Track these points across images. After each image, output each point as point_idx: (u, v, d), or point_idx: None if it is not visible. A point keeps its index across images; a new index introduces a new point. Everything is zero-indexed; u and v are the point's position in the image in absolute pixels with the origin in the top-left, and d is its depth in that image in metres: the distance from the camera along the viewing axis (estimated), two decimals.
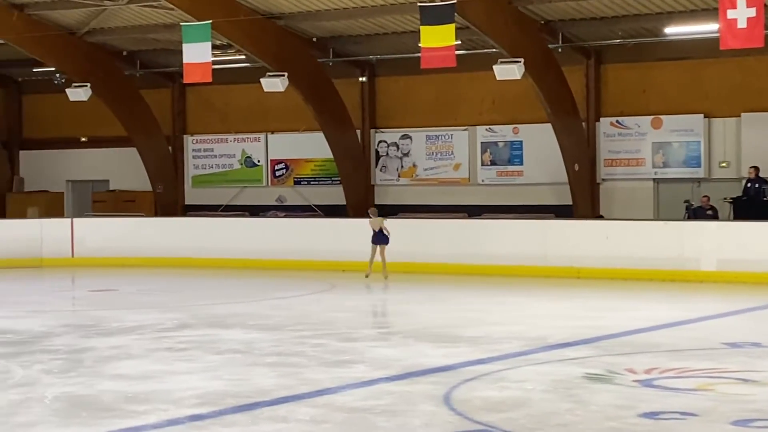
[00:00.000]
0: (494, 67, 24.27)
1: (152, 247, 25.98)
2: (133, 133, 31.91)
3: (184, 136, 33.57)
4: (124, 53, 31.60)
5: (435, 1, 22.51)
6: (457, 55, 22.92)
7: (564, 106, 26.57)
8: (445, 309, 17.02)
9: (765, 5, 19.33)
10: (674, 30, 25.42)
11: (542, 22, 26.01)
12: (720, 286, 20.06)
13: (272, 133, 32.27)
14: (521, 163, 28.84)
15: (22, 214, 32.84)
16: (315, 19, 27.21)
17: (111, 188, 34.60)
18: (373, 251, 21.49)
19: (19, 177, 36.29)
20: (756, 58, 25.13)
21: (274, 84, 26.87)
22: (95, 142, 34.72)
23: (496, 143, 29.23)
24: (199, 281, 22.40)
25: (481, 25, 24.33)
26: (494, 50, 25.56)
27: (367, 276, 21.30)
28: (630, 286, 20.13)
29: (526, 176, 28.74)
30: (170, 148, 33.16)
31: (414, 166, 30.24)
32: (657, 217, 26.73)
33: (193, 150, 33.43)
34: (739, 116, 26.31)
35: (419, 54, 22.83)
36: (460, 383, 10.20)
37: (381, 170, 30.69)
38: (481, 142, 29.37)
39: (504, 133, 29.09)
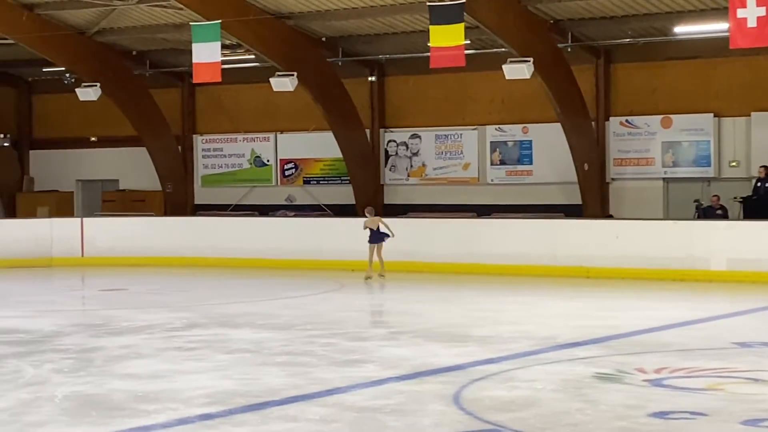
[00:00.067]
0: (503, 66, 24.25)
1: (162, 246, 26.01)
2: (143, 132, 31.96)
3: (194, 135, 33.61)
4: (134, 53, 31.64)
5: (444, 1, 22.49)
6: (467, 55, 22.92)
7: (573, 106, 26.54)
8: (455, 308, 17.01)
9: None
10: (684, 29, 25.37)
11: (551, 21, 25.97)
12: (730, 286, 20.03)
13: (281, 132, 32.29)
14: (531, 163, 28.82)
15: (32, 214, 32.92)
16: (324, 18, 27.21)
17: (121, 188, 34.65)
18: (372, 251, 21.48)
19: (29, 177, 36.36)
20: (766, 57, 25.07)
21: (284, 84, 26.89)
22: (105, 142, 34.77)
23: (505, 143, 29.21)
24: (209, 281, 22.42)
25: (490, 24, 24.32)
26: (503, 50, 25.55)
27: (369, 278, 21.26)
28: (640, 286, 20.09)
29: (536, 176, 28.71)
30: (180, 147, 33.21)
31: (423, 165, 30.23)
32: (667, 217, 26.69)
33: (203, 149, 33.47)
34: (749, 115, 26.26)
35: (428, 53, 22.83)
36: (470, 383, 10.20)
37: (390, 170, 30.69)
38: (491, 142, 29.36)
39: (513, 132, 29.07)
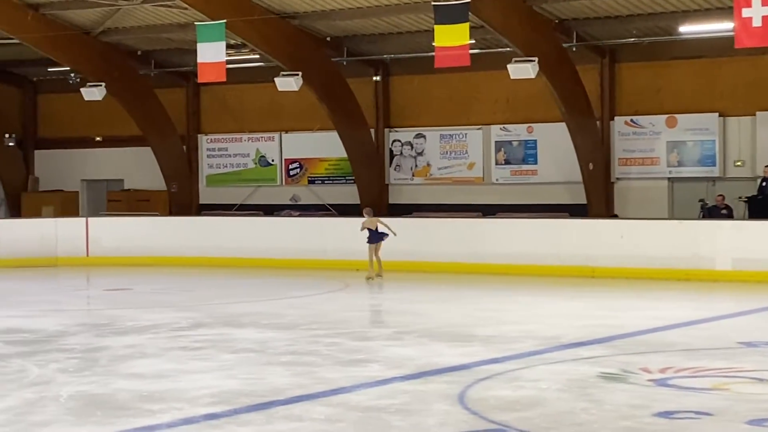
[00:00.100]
0: (508, 66, 24.26)
1: (167, 246, 26.02)
2: (148, 132, 31.98)
3: (199, 135, 33.63)
4: (139, 53, 31.65)
5: (449, 0, 22.49)
6: (472, 54, 22.90)
7: (578, 105, 26.54)
8: (459, 308, 17.01)
9: None
10: (689, 29, 25.36)
11: (556, 21, 25.97)
12: (735, 286, 20.01)
13: (286, 132, 32.30)
14: (535, 163, 28.81)
15: (37, 214, 32.96)
16: (329, 18, 27.22)
17: (126, 187, 34.69)
18: (371, 252, 21.48)
19: (34, 176, 36.39)
20: None
21: (289, 83, 26.90)
22: (110, 142, 34.81)
23: (510, 142, 29.20)
24: (214, 280, 22.43)
25: (495, 24, 24.32)
26: (508, 49, 25.54)
27: (370, 278, 21.25)
28: (644, 286, 20.07)
29: (541, 175, 28.70)
30: (185, 147, 33.24)
31: (428, 165, 30.23)
32: (672, 217, 26.66)
33: (208, 149, 33.48)
34: (754, 115, 26.25)
35: (433, 53, 22.80)
36: (475, 382, 10.20)
37: (395, 169, 30.69)
38: (495, 141, 29.35)
39: (518, 132, 29.06)
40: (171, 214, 31.85)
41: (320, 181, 31.88)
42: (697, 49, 26.32)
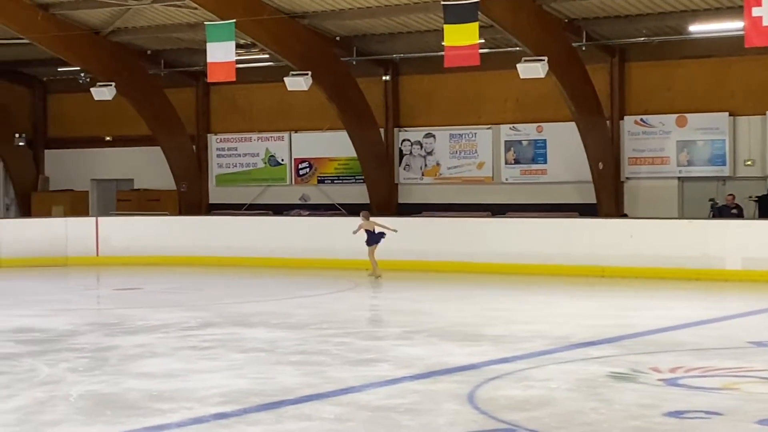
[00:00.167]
0: (518, 65, 24.23)
1: (176, 246, 26.05)
2: (158, 132, 32.02)
3: (208, 135, 33.66)
4: (149, 52, 31.70)
5: (459, 0, 22.48)
6: (481, 54, 22.88)
7: (588, 105, 26.51)
8: (469, 308, 17.00)
9: None
10: (699, 28, 25.33)
11: (566, 20, 25.94)
12: (745, 285, 19.98)
13: (296, 132, 32.31)
14: (545, 162, 28.79)
15: (47, 213, 33.02)
16: (339, 18, 27.23)
17: (135, 187, 34.74)
18: (371, 253, 21.52)
19: (44, 176, 36.46)
20: None
21: (298, 83, 26.90)
22: (120, 141, 34.87)
23: (519, 142, 29.18)
24: (223, 280, 22.45)
25: (504, 23, 24.30)
26: (518, 49, 25.52)
27: (378, 277, 21.27)
28: (654, 285, 20.05)
29: (550, 175, 28.68)
30: (194, 147, 33.27)
31: (437, 164, 30.22)
32: (681, 216, 26.62)
33: (217, 149, 33.51)
34: (764, 114, 26.20)
35: (443, 53, 22.80)
36: (484, 382, 10.19)
37: (404, 169, 30.69)
38: (505, 141, 29.33)
39: (528, 131, 29.04)
40: (181, 213, 31.89)
41: (330, 181, 31.88)
42: (707, 49, 26.28)
